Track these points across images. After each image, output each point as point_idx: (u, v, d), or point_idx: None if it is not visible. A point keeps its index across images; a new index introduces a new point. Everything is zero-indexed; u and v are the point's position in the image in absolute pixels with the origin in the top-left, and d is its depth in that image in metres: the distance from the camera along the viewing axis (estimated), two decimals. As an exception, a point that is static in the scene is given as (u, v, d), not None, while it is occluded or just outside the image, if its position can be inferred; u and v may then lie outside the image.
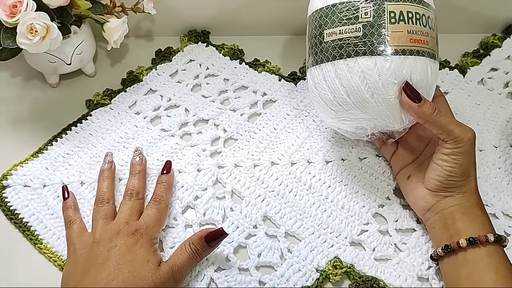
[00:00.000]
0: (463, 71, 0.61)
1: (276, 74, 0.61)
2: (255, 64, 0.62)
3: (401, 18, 0.42)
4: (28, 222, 0.48)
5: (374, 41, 0.42)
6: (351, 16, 0.43)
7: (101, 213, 0.45)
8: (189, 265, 0.43)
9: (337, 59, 0.43)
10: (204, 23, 0.65)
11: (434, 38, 0.45)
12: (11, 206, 0.49)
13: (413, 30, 0.43)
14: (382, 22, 0.42)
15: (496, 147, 0.54)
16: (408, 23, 0.42)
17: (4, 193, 0.50)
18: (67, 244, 0.45)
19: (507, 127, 0.56)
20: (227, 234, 0.43)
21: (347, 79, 0.43)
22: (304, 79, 0.60)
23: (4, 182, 0.51)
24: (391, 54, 0.42)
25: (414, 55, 0.42)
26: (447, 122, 0.43)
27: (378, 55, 0.42)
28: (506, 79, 0.61)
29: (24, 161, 0.52)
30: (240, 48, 0.63)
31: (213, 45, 0.64)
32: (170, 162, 0.50)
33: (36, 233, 0.48)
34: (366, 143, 0.54)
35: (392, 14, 0.42)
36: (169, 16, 0.63)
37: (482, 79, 0.61)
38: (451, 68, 0.61)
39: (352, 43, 0.42)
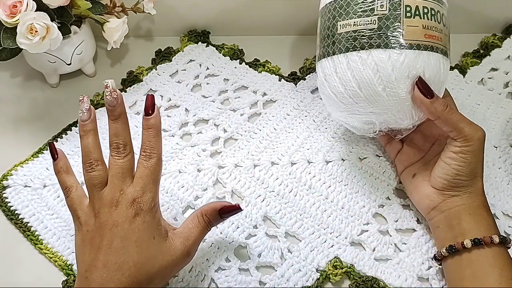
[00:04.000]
0: (463, 71, 0.61)
1: (276, 74, 0.60)
2: (255, 64, 0.62)
3: (417, 12, 0.42)
4: (28, 223, 0.48)
5: (389, 34, 0.42)
6: (366, 8, 0.43)
7: (93, 180, 0.40)
8: (201, 238, 0.41)
9: (350, 51, 0.43)
10: (204, 23, 0.65)
11: (447, 36, 0.45)
12: (12, 206, 0.49)
13: (428, 26, 0.43)
14: (397, 15, 0.42)
15: (496, 147, 0.54)
16: (424, 18, 0.42)
17: (4, 193, 0.50)
18: (71, 214, 0.41)
19: (507, 127, 0.56)
20: (241, 210, 0.41)
21: (359, 71, 0.43)
22: (304, 79, 0.60)
23: (4, 183, 0.51)
24: (406, 48, 0.42)
25: (428, 50, 0.42)
26: (458, 120, 0.43)
27: (392, 48, 0.42)
28: (506, 79, 0.61)
29: (24, 161, 0.52)
30: (240, 48, 0.63)
31: (213, 45, 0.64)
32: (153, 96, 0.41)
33: (36, 233, 0.48)
34: (366, 143, 0.54)
35: (408, 8, 0.42)
36: (169, 16, 0.63)
37: (482, 79, 0.61)
38: (451, 68, 0.61)
39: (366, 35, 0.42)
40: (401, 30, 0.42)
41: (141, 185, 0.39)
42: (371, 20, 0.42)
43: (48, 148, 0.43)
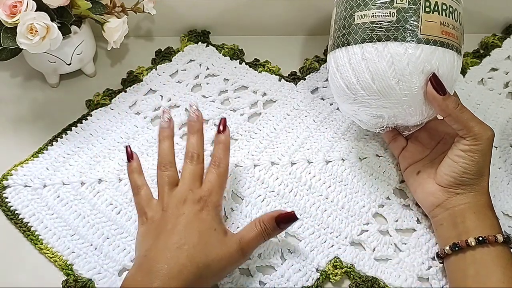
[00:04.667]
0: (463, 71, 0.61)
1: (276, 74, 0.60)
2: (255, 64, 0.62)
3: (436, 8, 0.42)
4: (28, 223, 0.48)
5: (407, 27, 0.42)
6: (385, 0, 0.42)
7: (165, 179, 0.44)
8: (257, 242, 0.42)
9: (366, 42, 0.43)
10: (204, 23, 0.65)
11: (462, 35, 0.45)
12: (12, 206, 0.49)
13: (445, 22, 0.43)
14: (417, 9, 0.42)
15: (496, 147, 0.54)
16: (442, 15, 0.43)
17: (4, 193, 0.50)
18: (137, 211, 0.44)
19: (507, 127, 0.56)
20: (297, 219, 0.43)
21: (374, 63, 0.42)
22: (304, 79, 0.60)
23: (5, 183, 0.51)
24: (423, 43, 0.42)
25: (444, 47, 0.42)
26: (469, 118, 0.43)
27: (409, 42, 0.42)
28: (506, 79, 0.61)
29: (24, 161, 0.52)
30: (240, 48, 0.63)
31: (213, 45, 0.64)
32: (225, 118, 0.47)
33: (36, 233, 0.48)
34: (366, 143, 0.54)
35: (428, 3, 0.42)
36: (169, 16, 0.63)
37: (482, 79, 0.61)
38: (451, 68, 0.61)
39: (384, 27, 0.42)
40: (419, 25, 0.42)
41: (208, 187, 0.44)
42: (389, 13, 0.42)
43: (125, 151, 0.47)
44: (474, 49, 0.64)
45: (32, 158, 0.53)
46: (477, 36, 0.65)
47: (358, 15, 0.44)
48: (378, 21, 0.42)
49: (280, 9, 0.62)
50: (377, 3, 0.43)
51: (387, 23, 0.42)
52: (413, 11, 0.42)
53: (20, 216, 0.49)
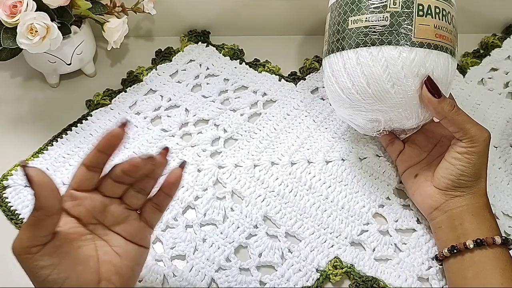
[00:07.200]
0: (463, 71, 0.61)
1: (276, 74, 0.60)
2: (255, 64, 0.62)
3: (429, 12, 0.43)
4: (28, 223, 0.48)
5: (401, 31, 0.42)
6: (379, 5, 0.43)
7: None
8: None
9: (361, 46, 0.43)
10: (204, 23, 0.65)
11: (455, 38, 0.45)
12: (12, 206, 0.49)
13: (439, 26, 0.43)
14: (410, 13, 0.42)
15: (496, 147, 0.54)
16: (435, 18, 0.43)
17: (4, 193, 0.50)
18: None
19: (507, 127, 0.56)
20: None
21: (369, 67, 0.43)
22: (304, 79, 0.60)
23: (5, 183, 0.51)
24: (417, 46, 0.42)
25: (438, 50, 0.43)
26: (465, 121, 0.43)
27: (403, 45, 0.42)
28: (506, 79, 0.61)
29: (24, 161, 0.52)
30: (240, 48, 0.63)
31: (213, 45, 0.64)
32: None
33: (36, 233, 0.48)
34: (366, 143, 0.54)
35: (421, 7, 0.42)
36: (169, 16, 0.63)
37: (482, 79, 0.61)
38: (451, 68, 0.61)
39: (378, 31, 0.42)
40: (412, 28, 0.42)
41: None
42: (383, 17, 0.42)
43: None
44: (474, 49, 0.64)
45: (32, 158, 0.53)
46: (477, 36, 0.65)
47: (352, 20, 0.44)
48: (372, 25, 0.43)
49: (280, 9, 0.62)
50: (371, 8, 0.43)
51: (380, 27, 0.42)
52: (406, 15, 0.42)
53: (20, 216, 0.49)
